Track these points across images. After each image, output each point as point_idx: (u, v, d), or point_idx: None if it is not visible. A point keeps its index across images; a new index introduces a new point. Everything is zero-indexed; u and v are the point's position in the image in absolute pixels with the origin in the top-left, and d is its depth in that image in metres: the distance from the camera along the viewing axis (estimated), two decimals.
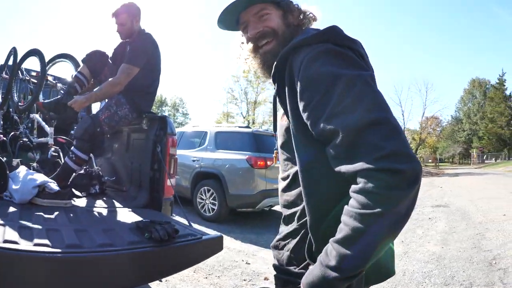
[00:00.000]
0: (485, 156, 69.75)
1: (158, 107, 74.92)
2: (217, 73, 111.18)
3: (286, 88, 1.35)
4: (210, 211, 8.65)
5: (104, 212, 3.33)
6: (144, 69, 4.00)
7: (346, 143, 1.10)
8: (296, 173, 1.43)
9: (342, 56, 1.25)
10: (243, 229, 8.23)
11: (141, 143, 4.29)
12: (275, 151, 1.77)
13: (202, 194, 8.83)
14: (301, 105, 1.26)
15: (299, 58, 1.29)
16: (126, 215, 3.28)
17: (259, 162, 8.33)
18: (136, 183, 4.23)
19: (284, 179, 1.60)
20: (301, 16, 1.61)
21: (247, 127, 10.11)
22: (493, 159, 66.81)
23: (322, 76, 1.20)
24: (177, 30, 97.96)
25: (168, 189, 3.96)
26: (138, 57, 3.95)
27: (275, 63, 1.41)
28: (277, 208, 9.78)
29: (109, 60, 4.38)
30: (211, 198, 8.63)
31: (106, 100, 4.23)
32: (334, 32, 1.33)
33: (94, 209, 3.38)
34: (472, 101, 77.38)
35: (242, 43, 1.72)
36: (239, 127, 9.98)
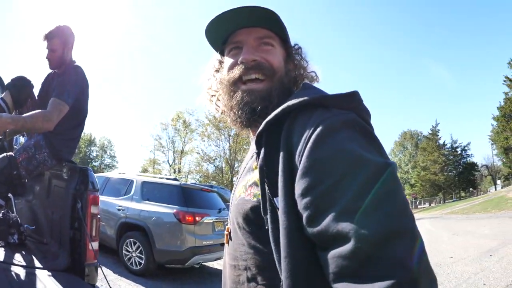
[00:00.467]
0: (418, 201, 73.60)
1: (86, 146, 76.32)
2: (147, 118, 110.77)
3: (281, 156, 1.01)
4: (137, 264, 8.22)
5: (21, 274, 2.92)
6: (71, 109, 3.48)
7: (359, 255, 0.77)
8: (260, 271, 1.12)
9: (369, 135, 0.98)
10: (173, 285, 7.93)
11: (62, 193, 3.81)
12: (227, 226, 1.36)
13: (128, 246, 8.44)
14: (300, 186, 0.92)
15: (310, 120, 0.99)
16: (44, 282, 2.88)
17: (187, 217, 8.16)
18: (57, 237, 3.76)
19: (235, 267, 1.22)
20: (302, 71, 1.38)
21: (175, 179, 9.96)
22: (427, 203, 70.52)
23: (342, 155, 0.89)
24: (108, 68, 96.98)
25: (91, 253, 3.51)
26: (70, 93, 3.45)
27: (270, 117, 1.08)
28: (208, 264, 9.64)
29: (33, 91, 3.89)
30: (137, 251, 8.26)
31: (24, 138, 3.90)
32: (359, 100, 1.06)
33: (11, 267, 2.98)
34: (403, 152, 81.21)
35: (217, 70, 1.47)
36: (167, 178, 9.92)
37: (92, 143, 77.94)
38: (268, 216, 1.03)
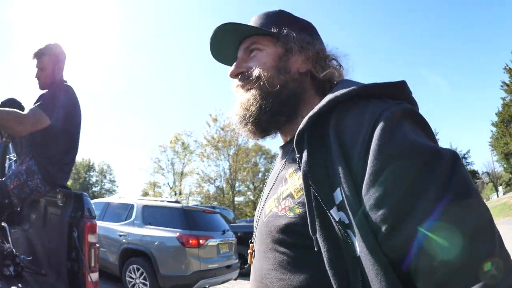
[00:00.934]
0: None
1: (86, 171, 76.13)
2: (145, 141, 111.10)
3: (335, 156, 0.90)
4: None
5: None
6: (61, 131, 3.38)
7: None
8: None
9: (428, 126, 0.92)
10: None
11: (58, 221, 3.69)
12: (251, 245, 1.27)
13: (131, 273, 8.30)
14: (372, 195, 0.81)
15: (366, 113, 0.90)
16: None
17: (191, 241, 7.99)
18: (55, 268, 3.62)
19: None
20: (319, 64, 1.26)
21: (176, 201, 9.84)
22: None
23: (414, 150, 0.81)
24: (103, 91, 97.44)
25: (90, 286, 3.37)
26: (55, 111, 3.27)
27: (312, 113, 0.99)
28: (216, 287, 9.37)
29: None
30: (141, 278, 8.11)
31: (14, 165, 3.78)
32: (410, 91, 1.03)
33: None
34: None
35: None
36: (168, 201, 9.80)
37: (91, 169, 77.84)
38: (319, 235, 0.89)
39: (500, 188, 72.18)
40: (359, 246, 0.83)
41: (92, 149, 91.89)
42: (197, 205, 10.94)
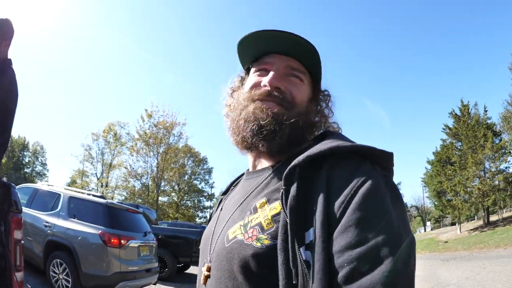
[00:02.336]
0: None
1: (20, 150, 73.92)
2: (80, 128, 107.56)
3: (320, 200, 0.97)
4: (64, 287, 7.92)
5: None
6: None
7: None
8: None
9: (402, 201, 1.02)
10: None
11: None
12: (206, 265, 1.21)
13: (55, 267, 8.12)
14: (343, 239, 0.89)
15: (359, 172, 1.00)
16: None
17: (112, 240, 7.97)
18: None
19: None
20: (323, 120, 1.39)
21: (101, 196, 9.66)
22: None
23: (388, 219, 0.91)
24: (44, 67, 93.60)
25: (16, 286, 3.19)
26: None
27: (313, 152, 1.04)
28: None
29: None
30: (64, 274, 7.96)
31: None
32: (393, 161, 1.13)
33: None
34: None
35: (242, 80, 1.46)
36: (93, 195, 9.60)
37: (25, 148, 75.57)
38: (282, 268, 0.96)
39: (428, 223, 74.88)
40: (313, 285, 0.89)
41: (28, 126, 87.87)
42: (121, 202, 10.73)
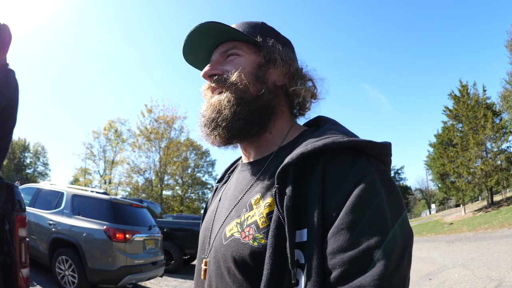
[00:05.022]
0: None
1: (21, 152, 74.23)
2: (80, 127, 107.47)
3: (314, 199, 0.98)
4: (71, 283, 8.01)
5: None
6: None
7: None
8: None
9: (400, 197, 1.03)
10: None
11: None
12: (204, 260, 1.24)
13: (60, 264, 8.18)
14: (337, 241, 0.91)
15: (353, 169, 1.00)
16: None
17: (117, 235, 8.07)
18: None
19: None
20: (297, 81, 1.32)
21: (105, 193, 9.76)
22: None
23: (382, 220, 0.93)
24: (43, 68, 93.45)
25: (21, 282, 3.24)
26: None
27: (306, 150, 1.03)
28: (142, 283, 9.64)
29: None
30: (70, 270, 8.02)
31: None
32: (391, 152, 1.13)
33: None
34: None
35: None
36: (96, 192, 9.68)
37: (26, 149, 75.81)
38: (270, 264, 0.98)
39: (433, 205, 74.79)
40: (306, 285, 0.91)
41: (29, 128, 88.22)
42: (125, 198, 10.80)
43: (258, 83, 1.26)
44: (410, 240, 0.97)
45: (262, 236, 1.04)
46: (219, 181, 1.59)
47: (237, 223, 1.14)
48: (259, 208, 1.11)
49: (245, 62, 1.27)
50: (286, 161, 1.04)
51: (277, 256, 0.97)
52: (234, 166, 1.56)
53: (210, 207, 1.46)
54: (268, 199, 1.09)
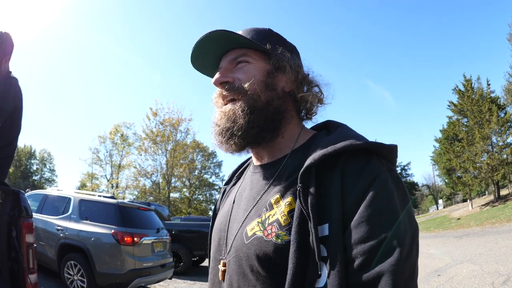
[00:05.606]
0: None
1: (27, 159, 74.88)
2: (86, 131, 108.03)
3: (335, 197, 1.05)
4: None
5: None
6: (3, 125, 3.20)
7: None
8: None
9: (406, 193, 1.12)
10: None
11: None
12: (222, 261, 1.27)
13: (69, 269, 8.20)
14: (358, 233, 0.99)
15: (367, 169, 1.08)
16: None
17: (126, 238, 8.06)
18: None
19: None
20: (304, 87, 1.37)
21: (112, 197, 9.75)
22: None
23: (395, 212, 1.02)
24: (48, 76, 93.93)
25: (30, 287, 3.23)
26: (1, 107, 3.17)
27: (327, 151, 1.11)
28: (151, 286, 9.71)
29: None
30: (79, 274, 8.03)
31: None
32: (397, 153, 1.22)
33: None
34: None
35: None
36: (104, 196, 9.65)
37: (32, 156, 76.46)
38: (295, 259, 1.03)
39: (440, 201, 74.59)
40: (330, 277, 0.98)
41: (34, 135, 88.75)
42: (132, 201, 10.84)
43: (268, 90, 1.29)
44: (417, 230, 1.06)
45: (285, 233, 1.08)
46: (227, 183, 1.62)
47: (258, 222, 1.17)
48: (279, 207, 1.15)
49: (255, 70, 1.30)
50: (308, 162, 1.10)
51: (301, 251, 1.02)
52: (242, 168, 1.60)
53: (221, 209, 1.49)
54: (288, 198, 1.14)
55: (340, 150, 1.09)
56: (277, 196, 1.18)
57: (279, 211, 1.14)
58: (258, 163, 1.39)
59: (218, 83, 1.31)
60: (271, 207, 1.18)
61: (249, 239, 1.16)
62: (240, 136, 1.25)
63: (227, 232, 1.31)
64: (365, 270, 0.95)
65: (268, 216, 1.16)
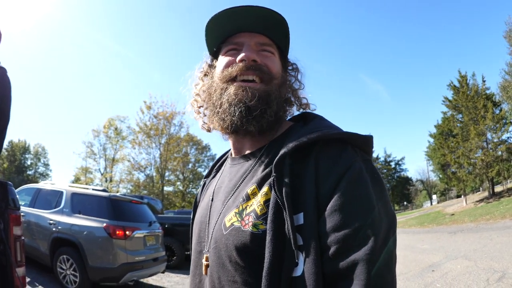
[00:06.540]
0: None
1: (21, 153, 75.28)
2: (80, 125, 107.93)
3: (309, 186, 1.07)
4: (73, 283, 8.00)
5: None
6: None
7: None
8: None
9: (382, 182, 1.13)
10: None
11: None
12: (205, 255, 1.26)
13: (62, 263, 8.18)
14: (332, 221, 1.01)
15: (342, 158, 1.10)
16: None
17: (117, 232, 8.03)
18: None
19: None
20: (292, 92, 1.44)
21: (104, 190, 9.69)
22: None
23: (370, 200, 1.03)
24: (40, 69, 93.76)
25: (18, 281, 3.18)
26: None
27: (302, 141, 1.12)
28: (144, 280, 9.66)
29: None
30: (71, 269, 8.01)
31: None
32: (373, 144, 1.22)
33: None
34: None
35: (206, 74, 1.47)
36: (96, 189, 9.62)
37: (27, 151, 76.86)
38: (272, 248, 1.04)
39: (434, 196, 75.01)
40: (306, 265, 0.99)
41: (28, 130, 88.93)
42: (125, 194, 10.83)
43: (282, 86, 1.35)
44: (394, 220, 1.07)
45: (261, 222, 1.10)
46: (207, 176, 1.65)
47: (235, 213, 1.18)
48: (256, 198, 1.16)
49: (279, 65, 1.35)
50: (282, 152, 1.12)
51: (277, 240, 1.04)
52: (221, 161, 1.62)
53: (201, 202, 1.51)
54: (265, 188, 1.15)
55: (314, 140, 1.12)
56: (254, 186, 1.20)
57: (256, 201, 1.15)
58: (236, 155, 1.42)
59: (250, 59, 1.27)
60: (248, 197, 1.19)
61: (227, 229, 1.17)
62: (265, 120, 1.25)
63: (208, 224, 1.32)
64: (340, 258, 0.97)
65: (246, 207, 1.17)
